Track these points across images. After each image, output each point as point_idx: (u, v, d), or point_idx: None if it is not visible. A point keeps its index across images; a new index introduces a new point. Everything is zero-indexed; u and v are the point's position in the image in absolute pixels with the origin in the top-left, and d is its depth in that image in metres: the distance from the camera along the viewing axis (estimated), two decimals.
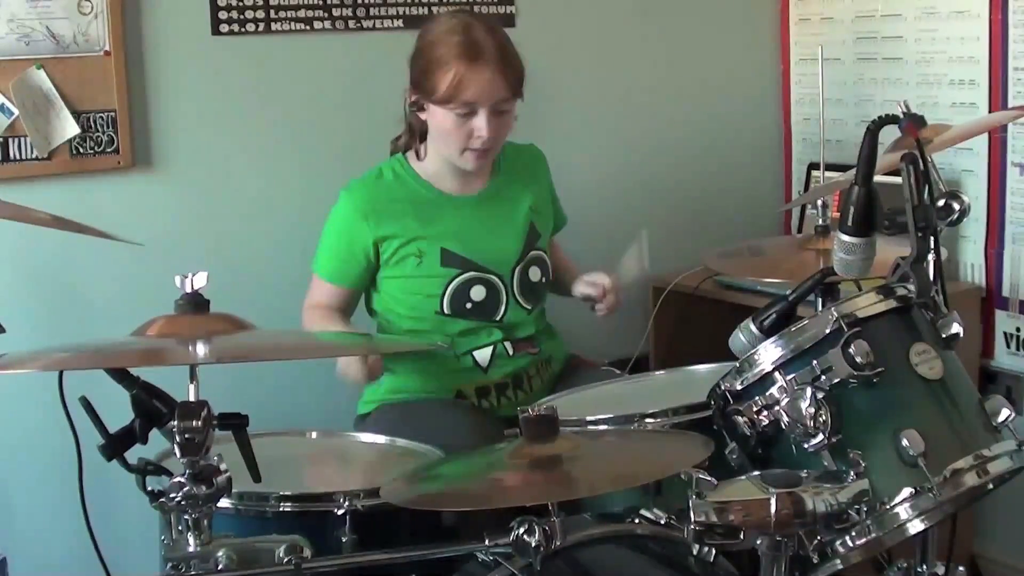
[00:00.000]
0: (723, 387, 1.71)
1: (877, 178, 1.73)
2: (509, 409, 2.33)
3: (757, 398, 1.66)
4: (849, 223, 1.73)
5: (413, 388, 2.46)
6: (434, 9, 2.92)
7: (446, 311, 2.42)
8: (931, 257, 1.69)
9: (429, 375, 2.46)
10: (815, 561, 1.57)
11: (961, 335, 1.68)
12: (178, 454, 1.48)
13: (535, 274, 2.50)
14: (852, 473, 1.51)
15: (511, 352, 2.47)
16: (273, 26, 2.78)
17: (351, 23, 2.86)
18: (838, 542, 1.56)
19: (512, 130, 2.43)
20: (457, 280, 2.42)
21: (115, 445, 1.56)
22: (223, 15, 2.72)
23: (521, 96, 2.39)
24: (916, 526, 1.59)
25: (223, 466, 1.52)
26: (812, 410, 1.58)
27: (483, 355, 2.45)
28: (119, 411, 1.56)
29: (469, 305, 2.43)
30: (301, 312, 2.51)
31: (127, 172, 2.65)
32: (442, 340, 2.42)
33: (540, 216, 2.55)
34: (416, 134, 2.48)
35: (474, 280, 2.43)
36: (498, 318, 2.45)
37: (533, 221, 2.52)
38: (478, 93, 2.30)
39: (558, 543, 1.57)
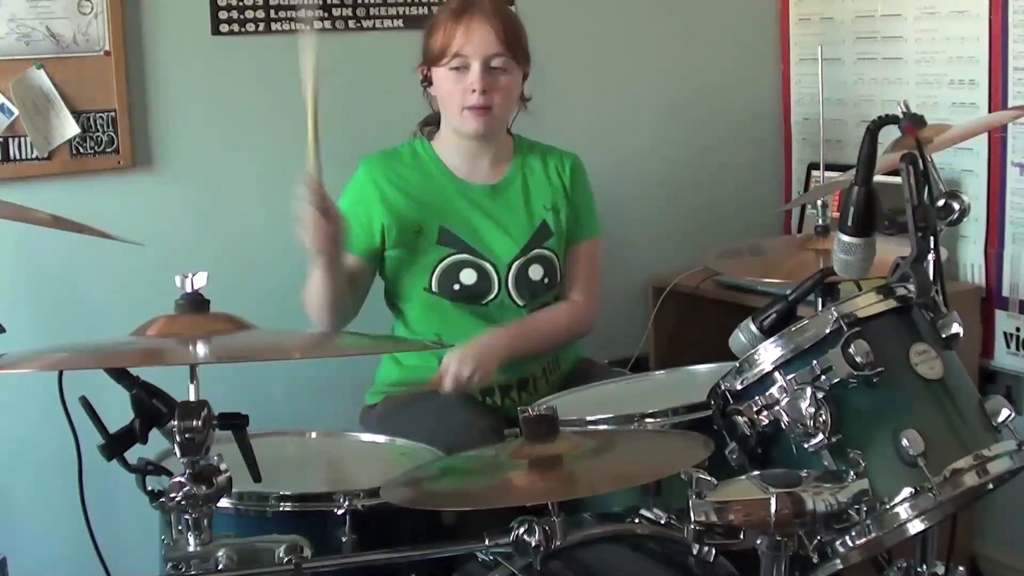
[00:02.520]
0: (723, 387, 1.71)
1: (877, 178, 1.73)
2: (513, 410, 2.33)
3: (757, 398, 1.66)
4: (849, 223, 1.73)
5: (419, 381, 2.46)
6: (434, 9, 2.92)
7: (434, 288, 2.43)
8: (931, 257, 1.69)
9: (435, 369, 2.44)
10: (815, 561, 1.57)
11: (961, 335, 1.68)
12: (178, 454, 1.48)
13: (536, 272, 2.48)
14: (852, 473, 1.51)
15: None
16: (273, 26, 2.78)
17: (351, 23, 2.87)
18: (838, 542, 1.56)
19: (515, 102, 2.48)
20: (449, 259, 2.43)
21: (115, 445, 1.56)
22: (223, 15, 2.72)
23: (520, 62, 2.43)
24: (916, 526, 1.59)
25: (223, 466, 1.51)
26: (812, 410, 1.58)
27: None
28: (119, 411, 1.56)
29: (457, 287, 2.43)
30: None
31: (127, 172, 2.65)
32: (437, 326, 2.44)
33: (558, 216, 2.53)
34: (436, 118, 2.52)
35: (466, 263, 2.44)
36: (484, 303, 2.44)
37: (547, 219, 2.51)
38: (465, 43, 2.37)
39: (558, 543, 1.57)
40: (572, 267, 2.56)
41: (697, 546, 1.67)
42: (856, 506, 1.48)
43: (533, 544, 1.55)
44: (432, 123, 2.55)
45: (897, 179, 1.70)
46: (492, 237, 2.46)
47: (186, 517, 1.51)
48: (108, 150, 2.61)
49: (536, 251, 2.49)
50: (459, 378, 2.32)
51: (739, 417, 1.67)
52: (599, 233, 2.61)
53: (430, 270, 2.43)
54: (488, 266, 2.45)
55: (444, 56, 2.38)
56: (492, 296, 2.46)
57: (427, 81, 2.47)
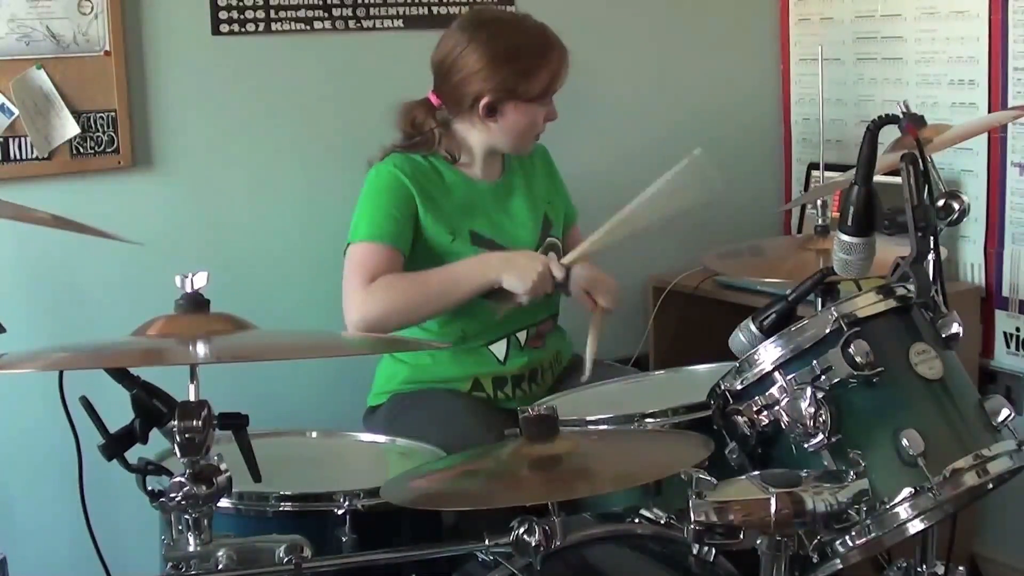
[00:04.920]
0: (723, 387, 1.71)
1: (877, 178, 1.73)
2: (524, 402, 2.34)
3: (757, 398, 1.66)
4: (849, 223, 1.73)
5: (429, 379, 2.47)
6: (434, 9, 2.92)
7: None
8: (931, 257, 1.69)
9: (447, 364, 2.47)
10: (815, 561, 1.57)
11: (961, 335, 1.68)
12: (178, 454, 1.48)
13: None
14: (852, 473, 1.51)
15: (523, 344, 2.49)
16: (273, 26, 2.78)
17: (351, 23, 2.87)
18: (838, 542, 1.56)
19: None
20: None
21: (115, 445, 1.56)
22: (223, 15, 2.72)
23: None
24: (916, 526, 1.59)
25: (223, 466, 1.51)
26: (812, 410, 1.58)
27: (498, 347, 2.48)
28: (119, 411, 1.56)
29: (496, 286, 2.43)
30: (353, 295, 2.34)
31: (127, 172, 2.65)
32: (464, 324, 2.43)
33: (552, 206, 2.61)
34: (435, 142, 2.47)
35: None
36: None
37: (546, 210, 2.59)
38: (565, 79, 2.46)
39: (558, 543, 1.57)
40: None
41: (697, 546, 1.67)
42: (856, 506, 1.48)
43: (533, 544, 1.55)
44: (425, 148, 2.48)
45: (897, 179, 1.70)
46: (514, 232, 2.50)
47: (186, 517, 1.51)
48: (108, 150, 2.61)
49: (548, 240, 2.56)
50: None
51: (739, 417, 1.67)
52: (576, 216, 2.73)
53: None
54: None
55: (547, 94, 2.43)
56: None
57: (494, 113, 2.41)
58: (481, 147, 2.49)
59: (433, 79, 2.49)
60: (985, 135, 2.86)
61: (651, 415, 1.94)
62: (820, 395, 1.58)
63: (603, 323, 2.43)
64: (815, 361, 1.62)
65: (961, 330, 1.68)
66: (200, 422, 1.47)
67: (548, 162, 2.69)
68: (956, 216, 1.75)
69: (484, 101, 2.40)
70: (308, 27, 2.82)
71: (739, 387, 1.69)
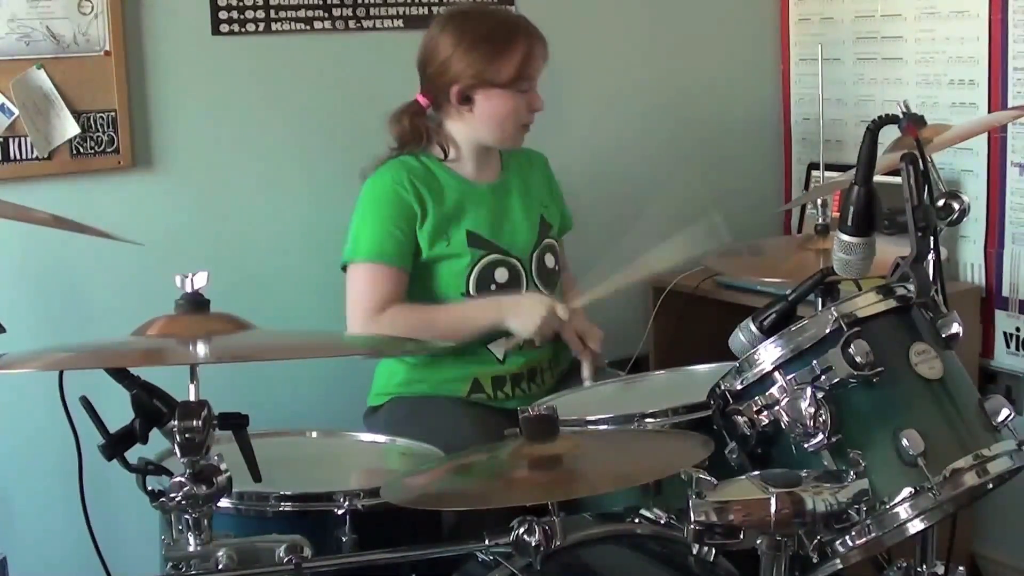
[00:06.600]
0: (723, 387, 1.71)
1: (877, 178, 1.73)
2: (524, 402, 2.34)
3: (757, 398, 1.66)
4: (849, 223, 1.73)
5: (429, 380, 2.48)
6: (434, 9, 2.92)
7: (472, 292, 2.45)
8: (931, 257, 1.69)
9: (446, 364, 2.47)
10: (815, 561, 1.57)
11: (961, 335, 1.68)
12: (178, 454, 1.48)
13: (550, 261, 2.57)
14: (852, 473, 1.51)
15: (521, 343, 2.49)
16: (273, 26, 2.78)
17: (351, 23, 2.87)
18: (838, 542, 1.56)
19: None
20: (483, 261, 2.46)
21: (115, 445, 1.56)
22: (223, 15, 2.72)
23: None
24: (916, 526, 1.59)
25: (223, 466, 1.52)
26: (812, 410, 1.58)
27: (497, 346, 2.48)
28: (119, 411, 1.56)
29: (494, 287, 2.46)
30: (359, 326, 2.38)
31: (127, 172, 2.65)
32: None
33: (548, 210, 2.63)
34: (425, 139, 2.49)
35: (498, 262, 2.48)
36: None
37: (543, 213, 2.60)
38: (539, 66, 2.45)
39: (558, 543, 1.57)
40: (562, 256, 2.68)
41: (697, 546, 1.67)
42: (856, 506, 1.48)
43: (533, 544, 1.55)
44: (416, 146, 2.50)
45: (897, 179, 1.70)
46: (511, 233, 2.51)
47: (186, 517, 1.51)
48: (108, 150, 2.61)
49: (545, 241, 2.57)
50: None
51: (739, 417, 1.67)
52: (571, 224, 2.76)
53: (466, 274, 2.45)
54: (515, 262, 2.50)
55: (521, 79, 2.41)
56: (523, 290, 2.50)
57: (468, 101, 2.43)
58: (467, 142, 2.49)
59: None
60: (985, 135, 2.86)
61: (651, 415, 1.95)
62: (820, 395, 1.58)
63: (593, 361, 2.48)
64: (815, 361, 1.61)
65: (961, 330, 1.68)
66: (200, 422, 1.47)
67: (547, 170, 2.70)
68: (956, 216, 1.74)
69: (455, 88, 2.42)
70: (308, 27, 2.82)
71: (739, 387, 1.69)
